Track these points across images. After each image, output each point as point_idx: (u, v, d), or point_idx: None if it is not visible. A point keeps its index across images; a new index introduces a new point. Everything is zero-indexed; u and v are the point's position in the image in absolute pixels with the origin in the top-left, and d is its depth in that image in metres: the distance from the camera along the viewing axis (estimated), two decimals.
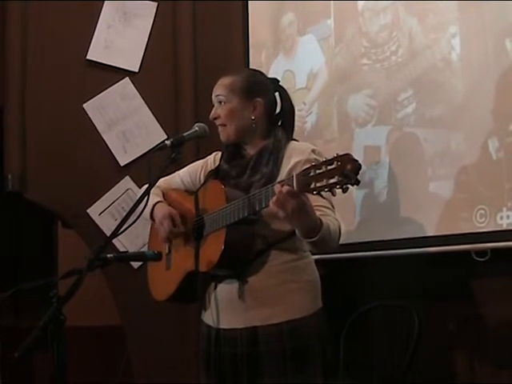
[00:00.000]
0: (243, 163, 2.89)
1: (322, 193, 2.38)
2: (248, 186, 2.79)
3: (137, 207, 2.69)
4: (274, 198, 2.44)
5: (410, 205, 3.69)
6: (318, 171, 2.31)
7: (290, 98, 3.00)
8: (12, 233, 5.69)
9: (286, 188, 2.41)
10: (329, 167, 2.28)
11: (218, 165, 2.99)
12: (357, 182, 2.24)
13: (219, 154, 3.05)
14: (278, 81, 3.04)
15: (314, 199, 2.58)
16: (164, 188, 3.12)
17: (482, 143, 3.34)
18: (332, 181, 2.26)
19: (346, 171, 2.23)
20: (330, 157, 2.30)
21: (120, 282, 4.47)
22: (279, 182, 2.47)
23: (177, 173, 3.16)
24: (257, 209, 2.61)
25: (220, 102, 2.91)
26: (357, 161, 2.25)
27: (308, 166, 2.38)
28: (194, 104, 4.67)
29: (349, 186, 2.25)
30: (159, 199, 3.04)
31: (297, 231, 2.58)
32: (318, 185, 2.30)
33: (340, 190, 2.27)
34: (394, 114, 3.78)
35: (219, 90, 2.92)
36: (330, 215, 2.70)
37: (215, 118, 2.93)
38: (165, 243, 3.03)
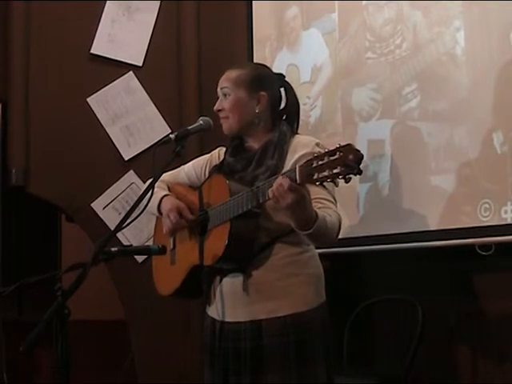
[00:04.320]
0: (248, 156, 2.89)
1: (326, 184, 2.40)
2: (253, 178, 2.79)
3: (141, 201, 2.68)
4: (274, 188, 2.45)
5: (413, 199, 3.69)
6: (320, 162, 2.32)
7: (295, 94, 3.01)
8: (16, 227, 5.69)
9: (286, 182, 2.42)
10: (331, 158, 2.28)
11: (223, 159, 2.99)
12: (359, 172, 2.25)
13: (223, 149, 3.05)
14: (284, 76, 3.04)
15: (315, 191, 2.60)
16: (169, 182, 3.12)
17: (486, 137, 3.33)
18: (335, 171, 2.27)
19: (348, 161, 2.24)
20: (332, 148, 2.31)
21: (124, 276, 4.48)
22: (282, 174, 2.48)
23: (182, 167, 3.16)
24: (260, 201, 2.61)
25: (225, 95, 2.92)
26: (359, 151, 2.26)
27: (311, 157, 2.38)
28: (197, 98, 4.68)
29: (351, 176, 2.26)
30: (166, 192, 3.05)
31: (292, 223, 2.58)
32: (321, 175, 2.31)
33: (343, 181, 2.28)
34: (398, 107, 3.78)
35: (224, 83, 2.93)
36: (331, 208, 2.70)
37: (219, 110, 2.93)
38: (169, 236, 3.03)
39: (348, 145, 2.28)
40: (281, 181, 2.44)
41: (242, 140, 2.96)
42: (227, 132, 2.94)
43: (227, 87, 2.91)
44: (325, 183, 2.37)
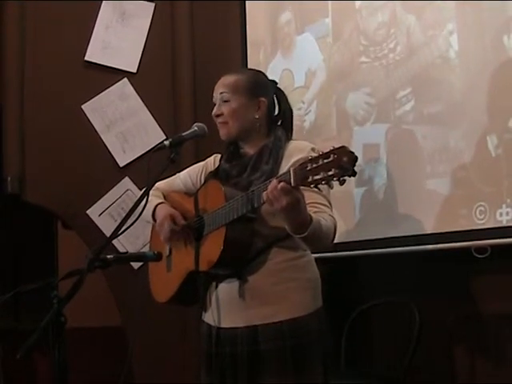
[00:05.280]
0: (244, 162, 2.89)
1: (321, 189, 2.40)
2: (248, 184, 2.78)
3: (136, 208, 2.67)
4: (269, 191, 2.45)
5: (409, 202, 3.69)
6: (314, 165, 2.31)
7: (287, 100, 3.01)
8: (12, 234, 5.69)
9: (281, 184, 2.41)
10: (325, 160, 2.28)
11: (218, 165, 2.99)
12: (353, 174, 2.26)
13: (219, 156, 3.05)
14: (276, 83, 3.04)
15: (310, 196, 2.61)
16: (164, 190, 3.12)
17: (481, 140, 3.34)
18: (329, 173, 2.27)
19: (342, 163, 2.24)
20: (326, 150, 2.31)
21: (120, 283, 4.48)
22: (277, 177, 2.47)
23: (177, 175, 3.16)
24: (255, 205, 2.60)
25: (223, 100, 2.90)
26: (353, 153, 2.26)
27: (305, 160, 2.38)
28: (192, 104, 4.68)
29: (346, 178, 2.26)
30: (161, 201, 3.05)
31: (286, 226, 2.58)
32: (316, 178, 2.30)
33: (337, 183, 2.28)
34: (393, 111, 3.78)
35: (223, 88, 2.91)
36: (326, 212, 2.70)
37: (218, 116, 2.91)
38: (166, 244, 3.03)
39: (342, 147, 2.28)
40: (275, 184, 2.44)
41: (238, 146, 2.96)
42: (225, 137, 2.92)
43: (226, 92, 2.89)
44: (320, 187, 2.38)
